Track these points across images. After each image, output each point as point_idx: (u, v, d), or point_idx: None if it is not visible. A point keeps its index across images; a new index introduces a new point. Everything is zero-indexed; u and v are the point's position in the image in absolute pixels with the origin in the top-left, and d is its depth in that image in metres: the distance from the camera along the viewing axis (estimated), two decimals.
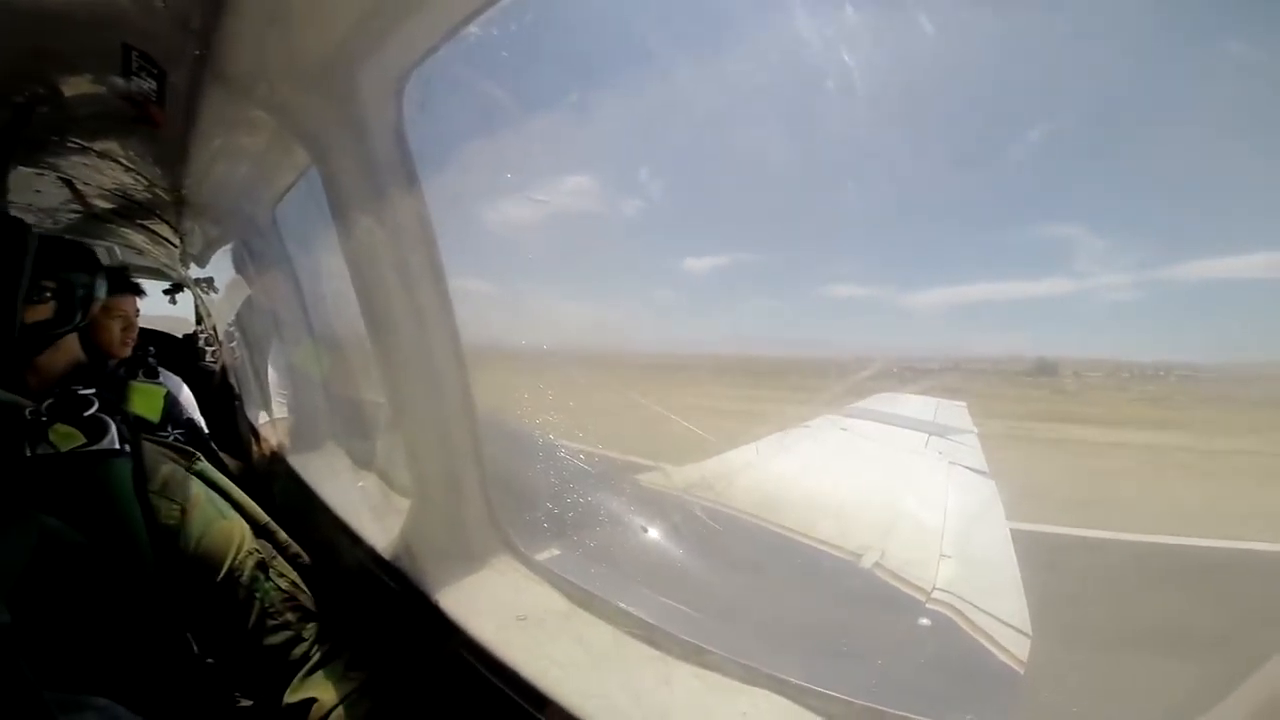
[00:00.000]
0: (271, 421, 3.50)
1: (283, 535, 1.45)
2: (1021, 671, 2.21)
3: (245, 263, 3.13)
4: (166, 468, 1.23)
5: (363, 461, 2.31)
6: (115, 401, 1.30)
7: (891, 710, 1.11)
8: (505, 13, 1.06)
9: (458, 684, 1.34)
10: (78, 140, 2.13)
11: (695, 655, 1.23)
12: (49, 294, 1.43)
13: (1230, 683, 0.65)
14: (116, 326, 2.34)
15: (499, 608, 1.39)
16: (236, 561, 1.24)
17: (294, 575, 1.37)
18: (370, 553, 1.70)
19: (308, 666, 1.30)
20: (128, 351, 2.42)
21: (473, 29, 1.02)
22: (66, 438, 1.11)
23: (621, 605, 1.37)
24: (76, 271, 1.51)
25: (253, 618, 1.25)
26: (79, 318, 1.51)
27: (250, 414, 3.86)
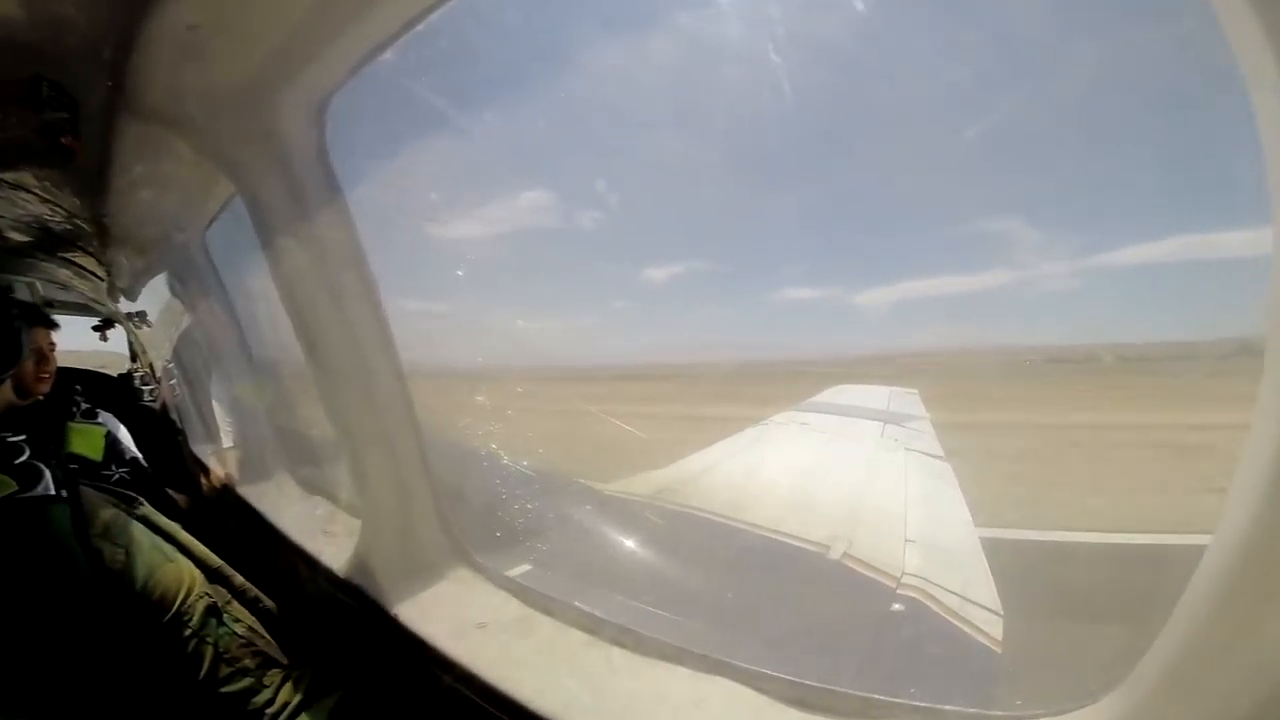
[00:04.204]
0: (218, 454, 3.38)
1: (239, 579, 1.42)
2: (997, 649, 2.27)
3: (178, 294, 3.02)
4: (107, 512, 1.21)
5: (313, 486, 2.26)
6: (51, 445, 1.27)
7: (841, 689, 1.16)
8: (431, 31, 1.08)
9: (426, 698, 1.34)
10: None
11: (654, 649, 1.26)
12: None
13: None
14: (30, 363, 2.22)
15: (459, 618, 1.40)
16: (185, 605, 1.22)
17: (252, 620, 1.34)
18: (329, 576, 1.68)
19: (284, 716, 1.27)
20: (46, 388, 2.30)
21: (390, 54, 1.04)
22: None
23: (581, 606, 1.39)
24: (10, 309, 1.46)
25: (205, 665, 1.22)
26: (20, 357, 1.48)
27: (195, 448, 3.71)
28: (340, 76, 1.11)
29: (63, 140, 1.70)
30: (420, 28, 0.99)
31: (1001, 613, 2.54)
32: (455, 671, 1.24)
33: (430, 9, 0.96)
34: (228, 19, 0.96)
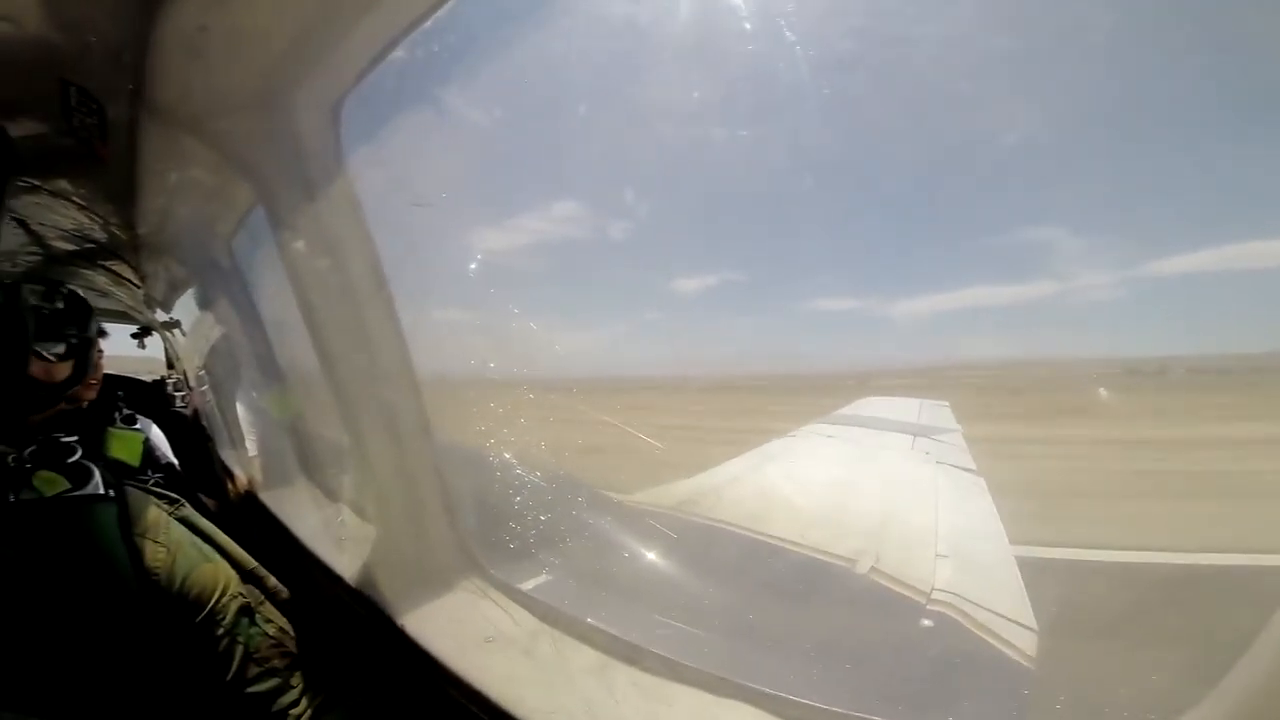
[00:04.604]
0: (244, 461, 3.44)
1: (272, 581, 1.45)
2: (1031, 668, 2.16)
3: (207, 302, 3.08)
4: (151, 512, 1.24)
5: (331, 494, 2.26)
6: (96, 448, 1.30)
7: (864, 715, 1.09)
8: (447, 26, 1.06)
9: (432, 711, 1.31)
10: (27, 179, 2.10)
11: (668, 670, 1.21)
12: (68, 352, 1.41)
13: None
14: None
15: (468, 631, 1.36)
16: (219, 605, 1.24)
17: (283, 621, 1.36)
18: (343, 585, 1.66)
19: (308, 717, 1.28)
20: (93, 395, 2.36)
21: (401, 51, 1.02)
22: (50, 483, 1.13)
23: (593, 623, 1.34)
24: (89, 325, 1.51)
25: (235, 664, 1.23)
26: (88, 372, 1.52)
27: (223, 454, 3.78)
28: (353, 75, 1.10)
29: (94, 145, 1.74)
30: (429, 24, 0.97)
31: (1038, 631, 2.41)
32: (461, 687, 1.20)
33: (442, 2, 0.93)
34: (236, 20, 0.96)
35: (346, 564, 1.67)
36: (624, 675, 1.20)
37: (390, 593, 1.49)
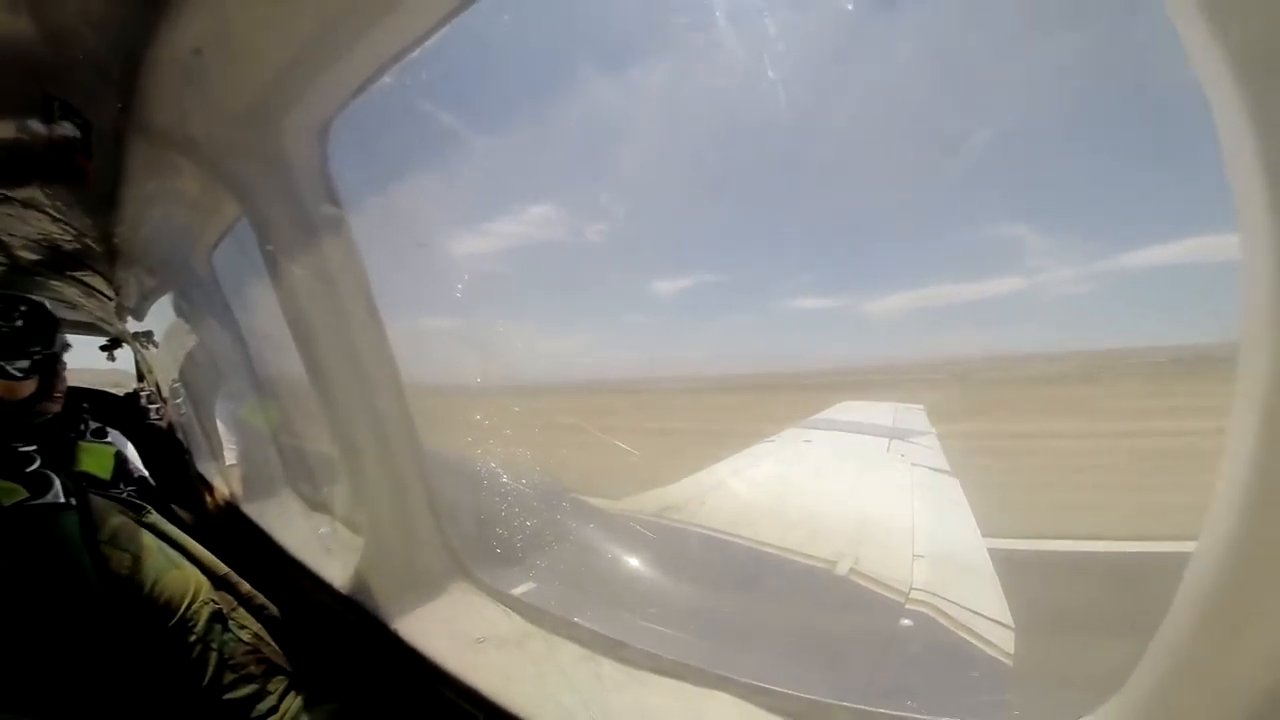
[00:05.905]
0: (222, 472, 3.39)
1: (245, 586, 1.43)
2: (1005, 662, 2.23)
3: (184, 314, 3.05)
4: (115, 519, 1.22)
5: (316, 504, 2.26)
6: (61, 460, 1.29)
7: (841, 703, 1.14)
8: (431, 53, 1.10)
9: (424, 712, 1.33)
10: (2, 190, 2.07)
11: (653, 664, 1.24)
12: (33, 368, 1.39)
13: None
14: None
15: (458, 633, 1.39)
16: (190, 611, 1.22)
17: (257, 627, 1.34)
18: (331, 591, 1.67)
19: None
20: (57, 408, 2.33)
21: (389, 76, 1.06)
22: (8, 493, 1.12)
23: (580, 622, 1.37)
24: (55, 339, 1.49)
25: (210, 670, 1.21)
26: (53, 391, 1.51)
27: (200, 467, 3.72)
28: (341, 99, 1.13)
29: (75, 159, 1.74)
30: (417, 53, 1.01)
31: (1012, 626, 2.49)
32: (454, 686, 1.23)
33: (428, 34, 0.98)
34: (230, 44, 0.99)
35: (337, 571, 1.68)
36: (611, 668, 1.24)
37: (382, 598, 1.50)
